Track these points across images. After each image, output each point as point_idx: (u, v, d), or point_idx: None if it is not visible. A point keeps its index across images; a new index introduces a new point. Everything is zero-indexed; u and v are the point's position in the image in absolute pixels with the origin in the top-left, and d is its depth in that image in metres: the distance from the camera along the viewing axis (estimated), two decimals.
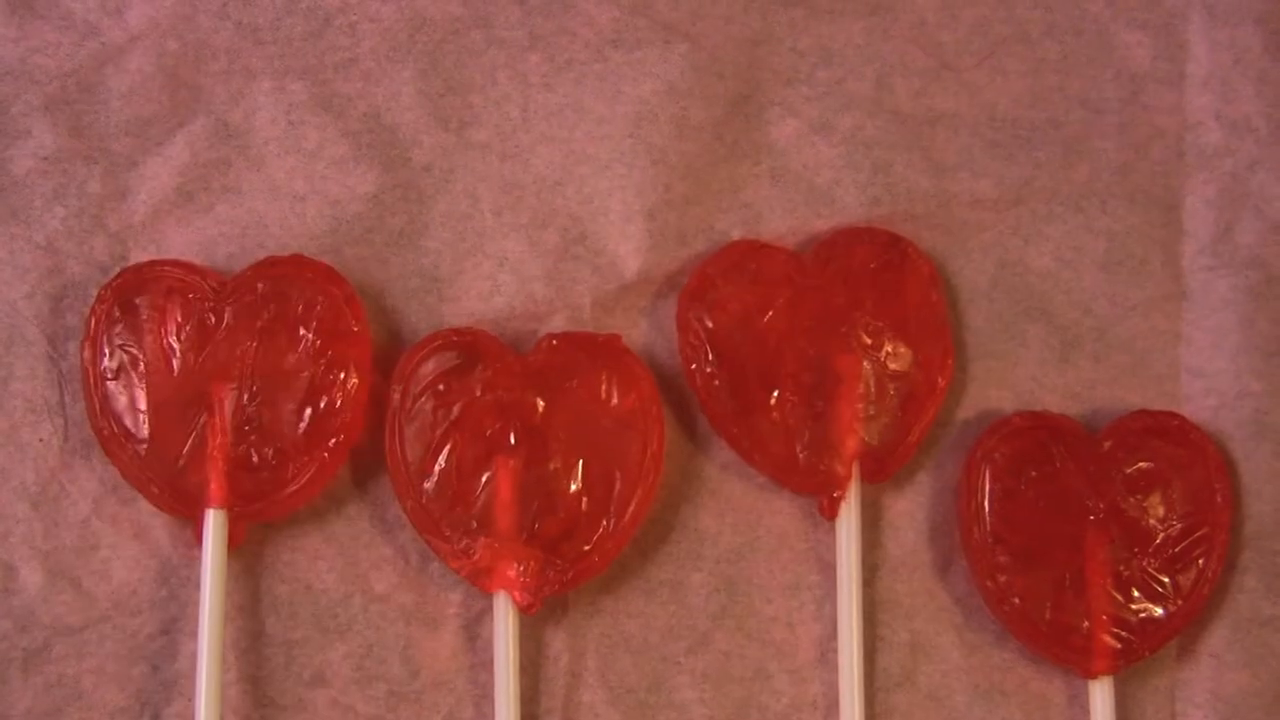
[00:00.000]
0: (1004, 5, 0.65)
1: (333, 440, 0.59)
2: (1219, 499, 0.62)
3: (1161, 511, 0.62)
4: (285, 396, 0.60)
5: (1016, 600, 0.61)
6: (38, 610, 0.59)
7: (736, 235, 0.63)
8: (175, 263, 0.60)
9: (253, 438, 0.59)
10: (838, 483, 0.61)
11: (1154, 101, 0.65)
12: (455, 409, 0.60)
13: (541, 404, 0.60)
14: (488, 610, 0.60)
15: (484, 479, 0.60)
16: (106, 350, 0.59)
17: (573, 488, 0.60)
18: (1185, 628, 0.61)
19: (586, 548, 0.60)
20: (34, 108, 0.62)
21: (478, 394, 0.60)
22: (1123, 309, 0.64)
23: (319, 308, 0.60)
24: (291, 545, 0.60)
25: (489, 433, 0.60)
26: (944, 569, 0.62)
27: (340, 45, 0.63)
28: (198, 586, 0.59)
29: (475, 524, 0.60)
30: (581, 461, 0.60)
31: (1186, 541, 0.61)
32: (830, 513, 0.61)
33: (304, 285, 0.60)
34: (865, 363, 0.61)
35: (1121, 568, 0.61)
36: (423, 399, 0.60)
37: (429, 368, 0.61)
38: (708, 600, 0.62)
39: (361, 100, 0.63)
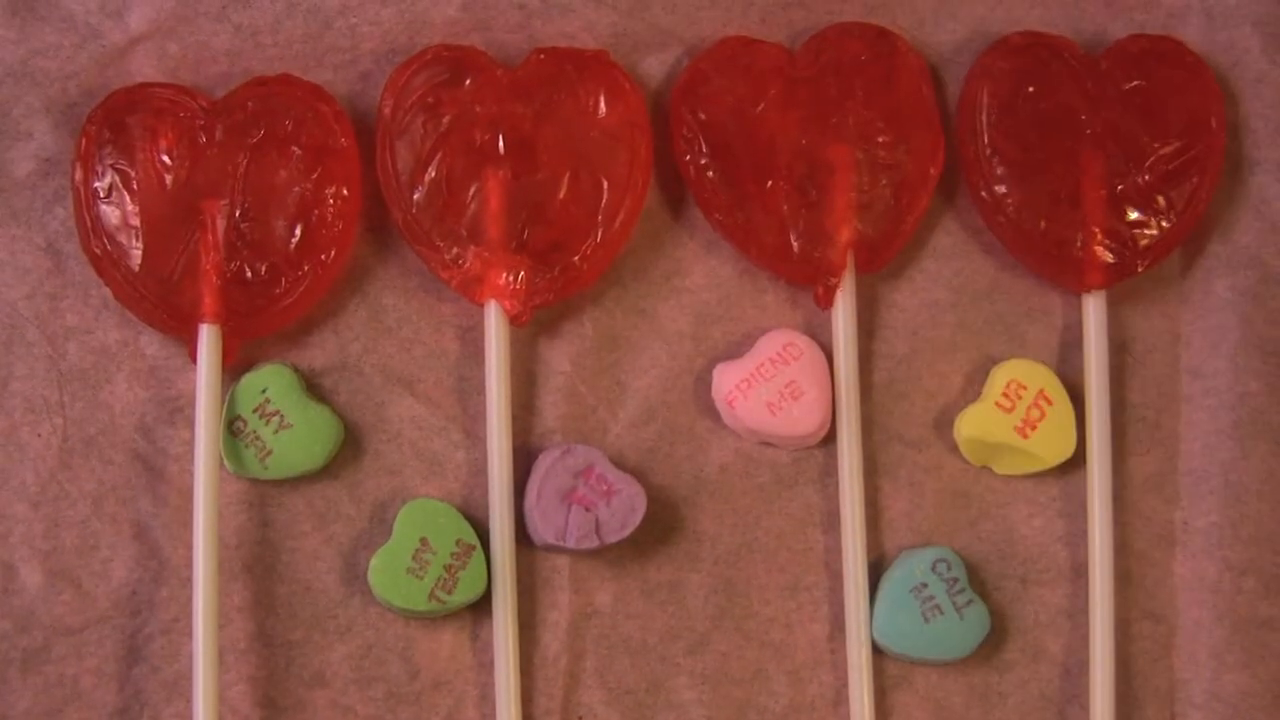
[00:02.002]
0: (1001, 5, 0.65)
1: (323, 255, 0.60)
2: (1214, 123, 0.62)
3: (1157, 129, 0.62)
4: (277, 212, 0.60)
5: (1011, 211, 0.61)
6: (37, 610, 0.59)
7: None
8: (164, 85, 0.61)
9: (245, 253, 0.60)
10: (833, 270, 0.61)
11: None
12: (444, 121, 0.61)
13: (530, 115, 0.61)
14: (487, 612, 0.60)
15: (473, 190, 0.61)
16: (98, 169, 0.60)
17: (561, 197, 0.61)
18: (1178, 244, 0.62)
19: (576, 258, 0.61)
20: (35, 110, 0.62)
21: (467, 106, 0.61)
22: None
23: (308, 124, 0.60)
24: (291, 546, 0.61)
25: (478, 144, 0.61)
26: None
27: (340, 47, 0.63)
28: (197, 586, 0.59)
29: (465, 234, 0.60)
30: (570, 172, 0.61)
31: (1181, 160, 0.62)
32: (826, 302, 0.62)
33: (293, 103, 0.61)
34: (858, 152, 0.62)
35: (1117, 183, 0.61)
36: (412, 112, 0.61)
37: (419, 81, 0.61)
38: (706, 601, 0.62)
39: (360, 100, 0.63)
